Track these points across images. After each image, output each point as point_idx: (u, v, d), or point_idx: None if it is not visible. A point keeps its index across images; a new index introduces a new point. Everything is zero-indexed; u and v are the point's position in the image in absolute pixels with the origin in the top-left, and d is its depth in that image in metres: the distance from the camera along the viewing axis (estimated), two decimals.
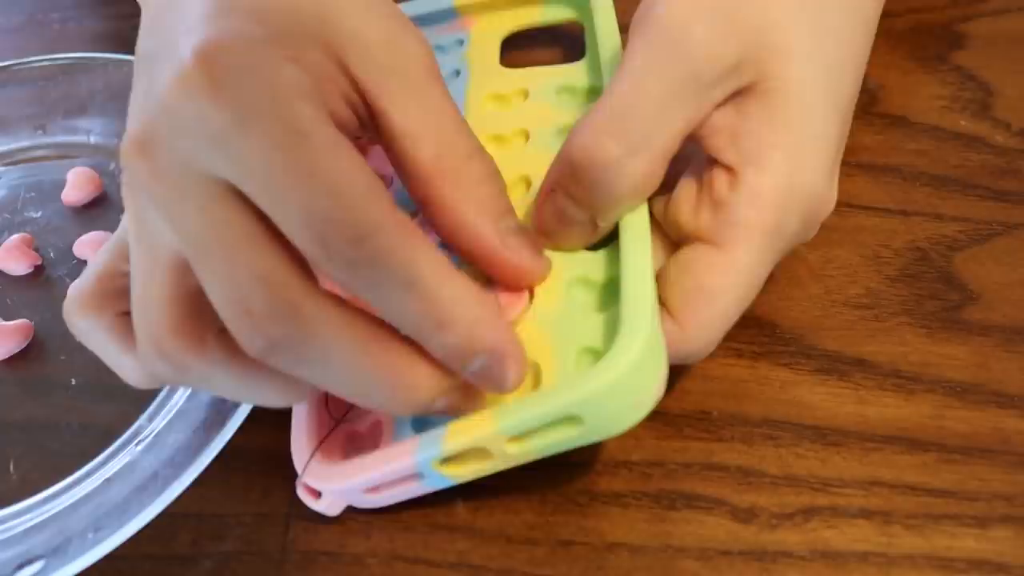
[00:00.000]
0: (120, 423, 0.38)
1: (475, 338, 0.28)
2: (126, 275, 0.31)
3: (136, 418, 0.38)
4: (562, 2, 0.48)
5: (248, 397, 0.32)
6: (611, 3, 0.44)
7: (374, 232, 0.26)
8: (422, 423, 0.34)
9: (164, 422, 0.37)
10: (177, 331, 0.28)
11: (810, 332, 0.38)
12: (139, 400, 0.39)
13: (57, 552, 0.34)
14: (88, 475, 0.37)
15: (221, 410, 0.35)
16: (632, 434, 0.35)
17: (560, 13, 0.48)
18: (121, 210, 0.42)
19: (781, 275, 0.39)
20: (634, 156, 0.32)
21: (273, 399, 0.30)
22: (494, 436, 0.31)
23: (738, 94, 0.33)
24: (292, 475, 0.35)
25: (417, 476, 0.33)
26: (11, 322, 0.41)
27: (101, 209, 0.46)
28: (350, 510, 0.35)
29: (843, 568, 0.33)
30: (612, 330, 0.31)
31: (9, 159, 0.48)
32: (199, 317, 0.29)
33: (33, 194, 0.47)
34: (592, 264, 0.35)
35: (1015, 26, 0.49)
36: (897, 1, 0.49)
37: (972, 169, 0.43)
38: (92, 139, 0.47)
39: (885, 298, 0.39)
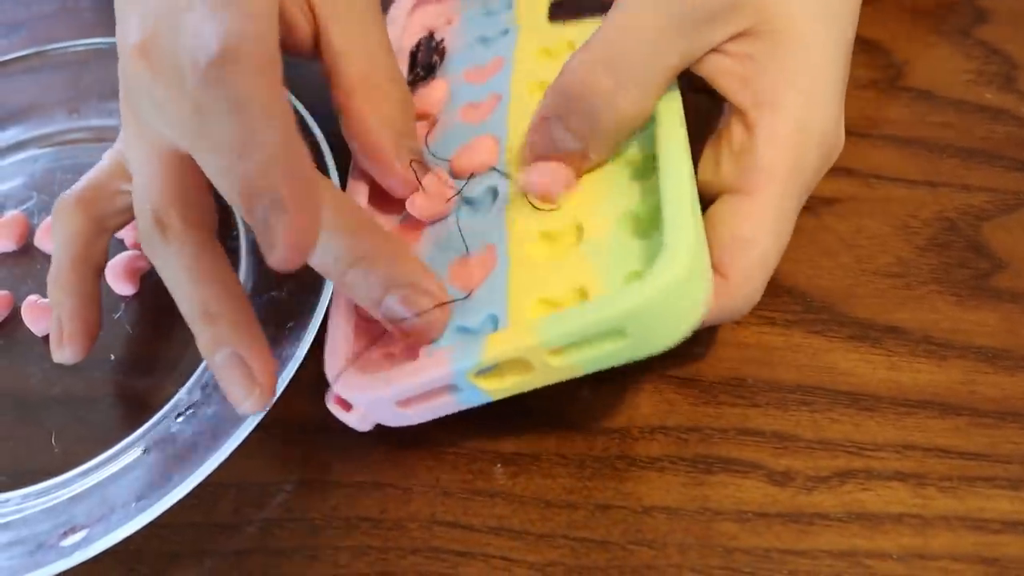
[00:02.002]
0: (158, 396, 0.39)
1: (268, 172, 0.29)
2: (116, 193, 0.39)
3: (174, 392, 0.39)
4: None
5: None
6: None
7: (234, 59, 0.29)
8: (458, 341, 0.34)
9: (202, 395, 0.38)
10: (174, 203, 0.34)
11: (841, 300, 0.39)
12: (177, 374, 0.39)
13: (101, 521, 0.34)
14: (129, 447, 0.37)
15: None
16: (667, 400, 0.36)
17: None
18: None
19: (812, 245, 0.40)
20: (625, 90, 0.33)
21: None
22: (535, 348, 0.31)
23: (742, 36, 0.34)
24: (332, 443, 0.35)
25: (452, 388, 0.32)
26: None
27: None
28: (388, 473, 0.36)
29: (878, 529, 0.33)
30: (656, 253, 0.31)
31: (45, 142, 0.49)
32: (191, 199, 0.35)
33: (69, 176, 0.47)
34: (639, 197, 0.34)
35: None
36: None
37: (998, 141, 0.43)
38: None
39: (915, 267, 0.39)
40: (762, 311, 0.37)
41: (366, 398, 0.33)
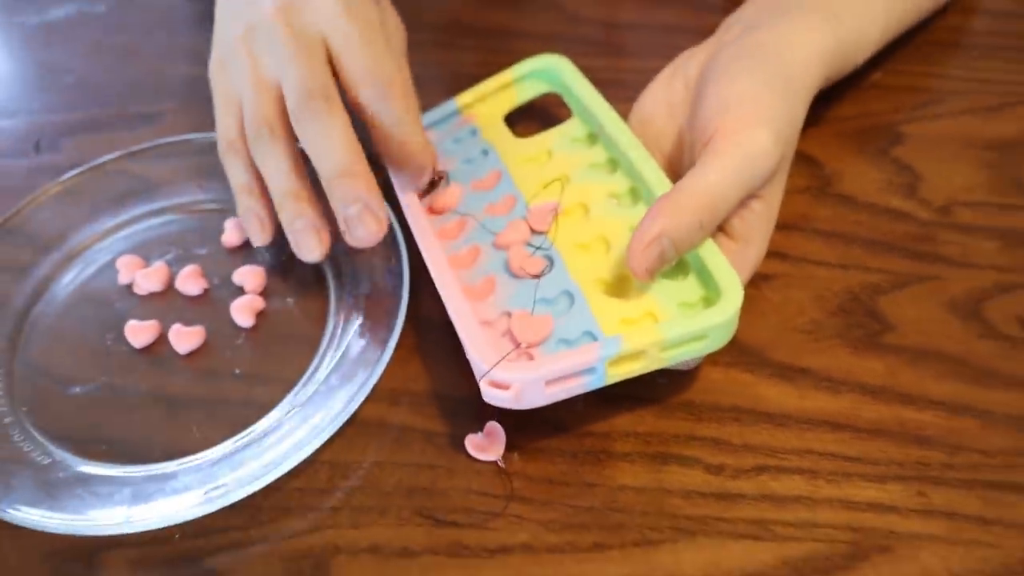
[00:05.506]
0: (273, 400, 0.50)
1: (361, 185, 0.49)
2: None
3: (282, 397, 0.50)
4: (535, 80, 0.61)
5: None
6: (577, 71, 0.58)
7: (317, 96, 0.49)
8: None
9: (307, 399, 0.49)
10: (279, 119, 0.52)
11: (768, 349, 0.51)
12: (285, 384, 0.51)
13: (236, 480, 0.45)
14: (251, 433, 0.49)
15: (353, 393, 0.48)
16: (638, 415, 0.48)
17: (536, 89, 0.61)
18: (266, 249, 0.56)
19: (751, 309, 0.52)
20: (711, 228, 0.46)
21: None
22: (656, 343, 0.42)
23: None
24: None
25: (589, 371, 0.43)
26: (190, 327, 0.54)
27: (251, 249, 0.58)
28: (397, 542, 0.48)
29: (781, 506, 0.45)
30: (698, 289, 0.46)
31: (181, 210, 0.60)
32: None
33: (197, 236, 0.59)
34: None
35: (945, 127, 0.62)
36: (852, 106, 0.62)
37: (897, 236, 0.55)
38: None
39: (824, 326, 0.52)
40: (709, 356, 0.48)
41: (525, 377, 0.42)
